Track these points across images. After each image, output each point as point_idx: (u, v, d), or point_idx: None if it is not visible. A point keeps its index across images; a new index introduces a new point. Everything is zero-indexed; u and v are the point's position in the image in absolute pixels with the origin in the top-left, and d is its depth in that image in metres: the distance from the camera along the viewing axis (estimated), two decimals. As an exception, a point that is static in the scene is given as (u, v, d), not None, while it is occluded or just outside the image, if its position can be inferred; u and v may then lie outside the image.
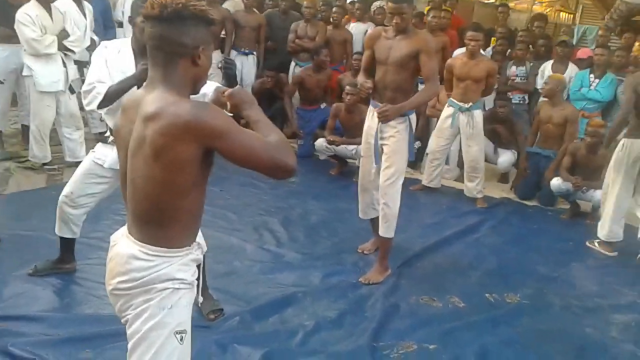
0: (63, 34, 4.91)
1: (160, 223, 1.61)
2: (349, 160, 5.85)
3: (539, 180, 5.45)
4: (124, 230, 1.71)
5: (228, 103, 1.75)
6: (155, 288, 1.60)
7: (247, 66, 6.68)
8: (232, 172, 4.80)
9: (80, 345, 2.70)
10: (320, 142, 5.82)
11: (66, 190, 3.16)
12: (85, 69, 4.94)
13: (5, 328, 2.78)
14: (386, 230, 3.64)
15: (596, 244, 4.53)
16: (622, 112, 4.43)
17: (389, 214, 3.60)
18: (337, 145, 5.67)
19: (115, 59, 2.94)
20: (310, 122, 6.41)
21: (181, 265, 1.65)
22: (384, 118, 3.44)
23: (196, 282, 1.74)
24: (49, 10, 4.82)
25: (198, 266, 1.78)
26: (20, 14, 4.69)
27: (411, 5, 3.52)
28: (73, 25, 5.05)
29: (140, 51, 2.88)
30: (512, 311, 3.44)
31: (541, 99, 5.77)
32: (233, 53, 6.64)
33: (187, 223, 1.65)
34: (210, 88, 2.55)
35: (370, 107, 3.70)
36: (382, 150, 3.63)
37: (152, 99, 1.55)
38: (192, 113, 1.49)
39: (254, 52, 6.74)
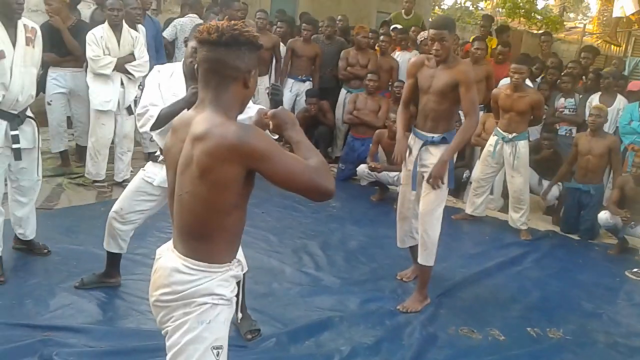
0: (128, 58, 5.04)
1: (204, 238, 1.66)
2: (390, 187, 5.84)
3: (580, 215, 5.32)
4: (169, 244, 1.77)
5: (270, 123, 1.80)
6: (195, 302, 1.65)
7: (303, 92, 6.93)
8: (273, 195, 4.86)
9: (121, 358, 2.77)
10: (362, 168, 5.84)
11: (116, 206, 3.27)
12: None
13: (51, 337, 2.86)
14: (425, 258, 3.60)
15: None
16: None
17: (428, 241, 3.57)
18: (378, 172, 5.68)
19: (168, 82, 3.06)
20: (357, 151, 6.41)
21: (221, 281, 1.69)
22: (435, 182, 3.45)
23: (235, 299, 1.77)
24: (117, 33, 4.96)
25: (238, 283, 1.81)
26: (89, 34, 4.89)
27: (452, 33, 3.49)
28: (144, 50, 5.17)
29: (190, 75, 3.00)
30: (554, 347, 3.34)
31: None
32: (290, 81, 6.97)
33: (228, 239, 1.70)
34: (254, 110, 2.63)
35: (412, 135, 3.70)
36: (423, 178, 3.62)
37: (201, 119, 1.62)
38: (237, 135, 1.55)
39: (310, 79, 7.02)
